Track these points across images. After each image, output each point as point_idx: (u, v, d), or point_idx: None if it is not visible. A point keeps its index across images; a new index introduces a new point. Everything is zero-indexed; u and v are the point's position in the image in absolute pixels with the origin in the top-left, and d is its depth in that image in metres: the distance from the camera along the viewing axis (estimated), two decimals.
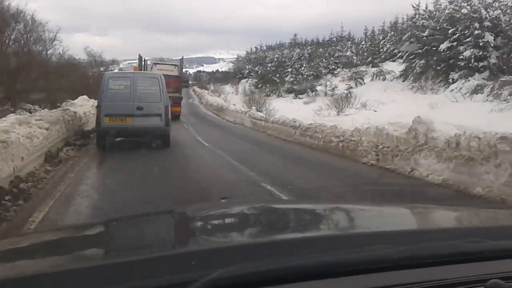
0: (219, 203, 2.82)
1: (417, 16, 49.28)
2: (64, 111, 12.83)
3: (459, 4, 43.22)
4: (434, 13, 48.48)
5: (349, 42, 69.03)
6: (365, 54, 62.75)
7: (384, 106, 36.56)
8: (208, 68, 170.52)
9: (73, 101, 18.54)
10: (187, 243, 1.57)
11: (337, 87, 46.92)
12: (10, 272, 1.22)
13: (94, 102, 19.40)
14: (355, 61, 60.74)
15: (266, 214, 1.99)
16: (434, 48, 43.62)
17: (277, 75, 53.68)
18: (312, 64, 56.27)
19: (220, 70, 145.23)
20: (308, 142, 14.26)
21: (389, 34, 66.37)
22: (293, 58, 72.06)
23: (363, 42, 67.73)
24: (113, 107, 11.51)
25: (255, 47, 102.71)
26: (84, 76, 30.70)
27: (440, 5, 48.92)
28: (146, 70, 23.56)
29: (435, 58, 43.41)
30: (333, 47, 67.98)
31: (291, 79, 50.13)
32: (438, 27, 44.38)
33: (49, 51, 28.06)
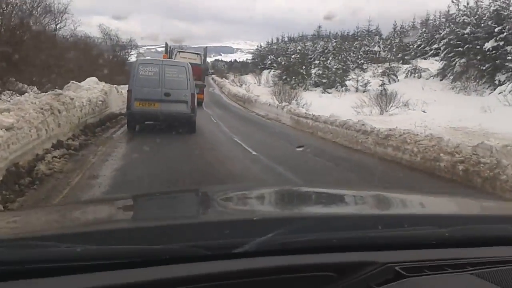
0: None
1: (456, 12, 44.66)
2: (56, 96, 8.68)
3: (506, 1, 38.53)
4: (476, 9, 43.69)
5: (377, 37, 64.28)
6: (394, 50, 58.05)
7: (429, 106, 31.93)
8: (226, 57, 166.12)
9: (79, 84, 14.45)
10: (236, 212, 1.61)
11: (369, 83, 42.43)
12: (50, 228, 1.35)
13: (105, 86, 15.27)
14: (383, 56, 56.23)
15: (292, 195, 2.05)
16: (477, 47, 39.04)
17: (303, 67, 49.20)
18: (339, 57, 51.75)
19: (238, 60, 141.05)
20: (390, 155, 10.04)
21: (419, 31, 61.61)
22: (316, 51, 67.58)
23: (391, 38, 62.96)
24: (142, 92, 11.72)
25: (276, 37, 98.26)
26: (98, 56, 26.45)
27: (482, 1, 43.97)
28: (171, 57, 23.34)
29: (478, 57, 38.81)
30: (360, 41, 63.32)
31: (319, 72, 45.67)
32: (482, 24, 39.71)
33: (59, 25, 23.97)
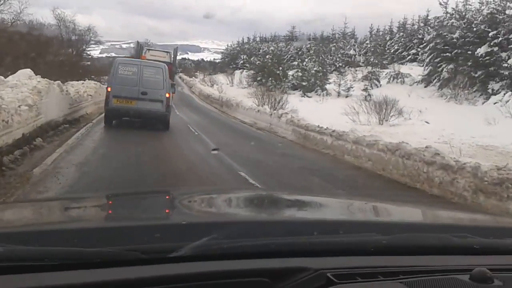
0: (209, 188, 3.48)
1: (444, 14, 41.23)
2: None
3: (502, 4, 35.26)
4: (464, 13, 40.35)
5: (353, 40, 60.72)
6: (369, 54, 54.58)
7: (423, 116, 27.97)
8: (193, 56, 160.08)
9: (2, 78, 9.56)
10: (174, 216, 1.59)
11: (352, 87, 38.49)
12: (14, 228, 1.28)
13: (40, 82, 10.38)
14: (358, 60, 52.65)
15: (256, 199, 2.03)
16: (468, 52, 35.64)
17: (280, 68, 44.77)
18: (317, 60, 47.63)
19: (205, 59, 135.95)
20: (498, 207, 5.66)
21: (397, 35, 58.37)
22: (290, 52, 63.49)
23: (367, 41, 59.53)
24: (120, 90, 11.89)
25: (248, 37, 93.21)
26: (47, 46, 20.93)
27: (471, 4, 40.70)
28: (140, 54, 22.86)
29: (469, 63, 35.41)
30: (335, 44, 59.58)
31: (298, 74, 41.30)
32: (474, 28, 36.35)
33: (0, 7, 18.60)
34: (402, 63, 52.62)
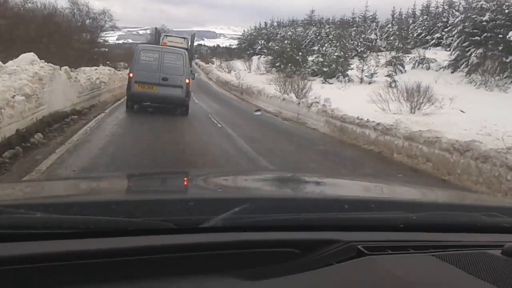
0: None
1: None
2: None
3: None
4: None
5: (374, 23, 58.39)
6: (391, 38, 52.38)
7: (454, 104, 26.06)
8: (209, 42, 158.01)
9: (1, 64, 8.21)
10: (204, 191, 1.62)
11: (376, 73, 36.58)
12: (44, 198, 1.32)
13: (43, 68, 8.98)
14: (379, 45, 50.49)
15: (274, 180, 1.99)
16: (500, 36, 33.49)
17: (300, 53, 42.92)
18: (338, 44, 45.65)
19: (221, 45, 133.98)
20: None
21: (420, 19, 55.94)
22: (308, 37, 61.39)
23: (389, 25, 57.19)
24: (142, 76, 11.97)
25: (265, 22, 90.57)
26: (60, 29, 19.42)
27: None
28: (160, 43, 22.45)
29: (500, 47, 33.27)
30: (355, 28, 57.39)
31: (319, 59, 39.43)
32: (506, 10, 34.11)
33: None
34: (425, 48, 50.39)
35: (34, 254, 0.87)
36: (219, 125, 11.48)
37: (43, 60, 9.08)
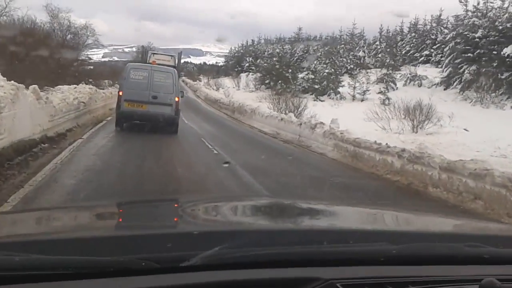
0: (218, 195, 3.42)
1: (464, 13, 38.15)
2: None
3: None
4: (485, 11, 37.20)
5: (362, 41, 57.66)
6: (379, 55, 51.62)
7: (452, 121, 24.90)
8: (195, 60, 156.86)
9: None
10: (186, 225, 1.57)
11: (368, 91, 35.49)
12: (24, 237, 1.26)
13: (8, 87, 7.32)
14: (367, 62, 49.59)
15: (265, 207, 1.98)
16: (494, 53, 32.61)
17: (290, 70, 41.64)
18: (328, 61, 44.55)
19: (207, 63, 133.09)
20: None
21: (408, 36, 55.34)
22: (296, 54, 60.42)
23: (377, 43, 56.51)
24: (132, 94, 11.84)
25: (252, 40, 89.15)
26: (37, 44, 17.46)
27: (492, 2, 37.54)
28: (148, 61, 22.26)
29: (494, 64, 32.35)
30: (343, 46, 56.55)
31: (310, 76, 38.14)
32: (500, 27, 33.28)
33: None
34: (414, 65, 49.63)
35: None
36: (214, 151, 9.90)
37: (5, 79, 7.40)
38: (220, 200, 2.37)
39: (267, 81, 43.44)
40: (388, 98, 32.11)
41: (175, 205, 2.02)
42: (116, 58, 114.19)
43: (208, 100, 34.56)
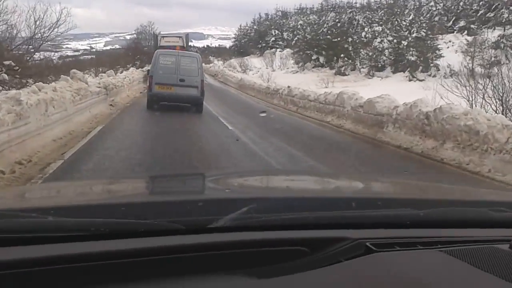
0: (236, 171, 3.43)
1: None
2: None
3: None
4: None
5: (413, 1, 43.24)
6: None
7: None
8: (198, 43, 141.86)
9: None
10: (213, 192, 1.54)
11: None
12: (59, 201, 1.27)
13: None
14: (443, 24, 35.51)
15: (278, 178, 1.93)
16: None
17: (350, 39, 27.48)
18: (391, 27, 30.43)
19: (210, 45, 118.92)
20: None
21: None
22: (325, 25, 45.96)
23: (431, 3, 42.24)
24: (162, 78, 12.17)
25: (265, 14, 73.83)
26: None
27: None
28: (159, 44, 21.73)
29: None
30: (385, 11, 42.00)
31: (395, 44, 24.04)
32: None
33: None
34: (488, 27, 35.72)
35: (47, 257, 0.85)
36: None
37: None
38: (246, 173, 2.28)
39: (314, 57, 29.21)
40: None
41: (198, 178, 1.95)
42: (117, 46, 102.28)
43: (245, 88, 21.08)
